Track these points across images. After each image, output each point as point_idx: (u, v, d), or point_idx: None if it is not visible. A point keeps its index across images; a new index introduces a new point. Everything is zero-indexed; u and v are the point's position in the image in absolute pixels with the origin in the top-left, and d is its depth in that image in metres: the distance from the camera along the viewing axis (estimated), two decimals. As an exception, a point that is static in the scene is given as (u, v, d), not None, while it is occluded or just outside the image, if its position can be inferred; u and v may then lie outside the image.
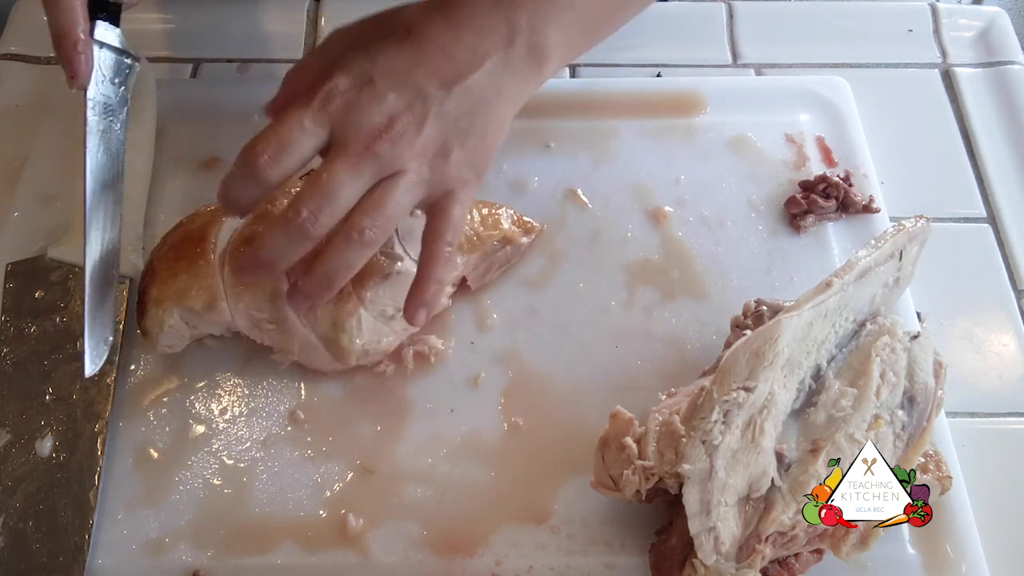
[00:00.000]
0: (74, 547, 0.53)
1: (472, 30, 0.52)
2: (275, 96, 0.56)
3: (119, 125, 0.58)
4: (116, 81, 0.57)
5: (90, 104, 0.56)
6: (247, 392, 0.60)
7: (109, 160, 0.57)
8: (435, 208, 0.53)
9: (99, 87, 0.57)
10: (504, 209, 0.64)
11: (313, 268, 0.52)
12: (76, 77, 0.54)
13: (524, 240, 0.64)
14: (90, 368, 0.55)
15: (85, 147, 0.56)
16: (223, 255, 0.58)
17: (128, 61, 0.59)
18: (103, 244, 0.57)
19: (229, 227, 0.59)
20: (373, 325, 0.58)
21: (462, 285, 0.63)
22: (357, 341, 0.57)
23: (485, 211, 0.63)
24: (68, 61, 0.54)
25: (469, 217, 0.62)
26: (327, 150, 0.51)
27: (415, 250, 0.56)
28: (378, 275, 0.57)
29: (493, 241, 0.62)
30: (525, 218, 0.65)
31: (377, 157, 0.50)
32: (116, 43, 0.57)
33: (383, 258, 0.58)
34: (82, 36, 0.54)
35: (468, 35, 0.52)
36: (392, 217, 0.51)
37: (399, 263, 0.58)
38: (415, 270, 0.55)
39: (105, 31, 0.57)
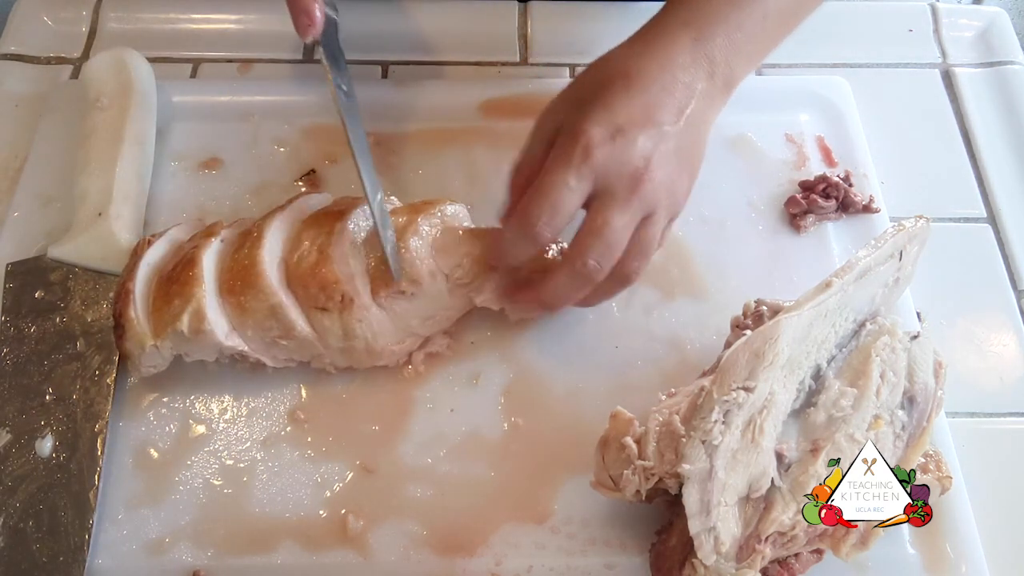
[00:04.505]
0: (74, 547, 0.53)
1: (681, 68, 0.56)
2: (509, 197, 0.59)
3: (344, 72, 0.60)
4: (331, 34, 0.60)
5: (325, 56, 0.59)
6: (247, 392, 0.60)
7: (351, 100, 0.60)
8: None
9: (322, 40, 0.59)
10: None
11: (583, 301, 0.57)
12: (313, 26, 0.57)
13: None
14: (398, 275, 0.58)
15: (333, 93, 0.58)
16: (220, 280, 0.58)
17: (333, 16, 0.60)
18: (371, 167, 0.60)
19: (215, 250, 0.59)
20: (391, 329, 0.58)
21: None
22: (381, 339, 0.58)
23: None
24: (306, 12, 0.56)
25: None
26: (590, 201, 0.55)
27: (447, 264, 0.59)
28: (393, 288, 0.58)
29: None
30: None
31: (642, 198, 0.54)
32: None
33: (405, 281, 0.58)
34: None
35: (680, 73, 0.56)
36: (651, 256, 0.57)
37: (421, 286, 0.58)
38: (439, 290, 0.59)
39: None
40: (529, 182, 0.56)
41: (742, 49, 0.58)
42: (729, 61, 0.58)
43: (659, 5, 0.80)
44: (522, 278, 0.60)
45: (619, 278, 0.56)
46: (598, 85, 0.56)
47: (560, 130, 0.56)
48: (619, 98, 0.55)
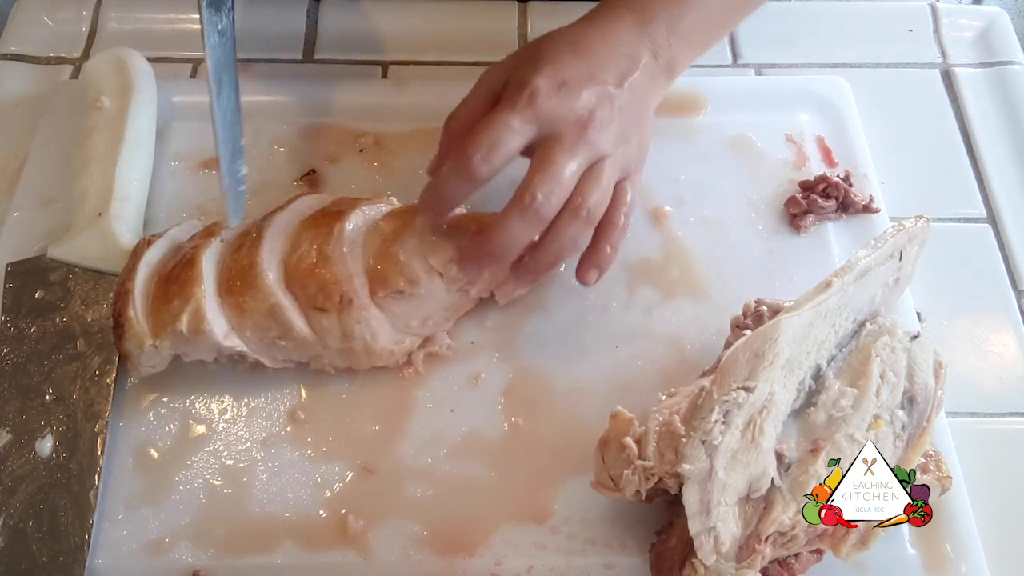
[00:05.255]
0: (74, 547, 0.53)
1: (624, 43, 0.59)
2: (441, 146, 0.60)
3: (224, 14, 0.58)
4: None
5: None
6: (247, 392, 0.60)
7: (223, 43, 0.58)
8: (616, 189, 0.59)
9: None
10: None
11: (540, 248, 0.57)
12: None
13: None
14: (234, 220, 0.59)
15: (203, 32, 0.56)
16: (220, 281, 0.58)
17: None
18: (229, 112, 0.58)
19: (214, 251, 0.59)
20: (390, 330, 0.58)
21: (489, 298, 0.62)
22: (381, 339, 0.58)
23: None
24: None
25: None
26: (533, 148, 0.56)
27: (439, 262, 0.59)
28: (391, 288, 0.58)
29: None
30: None
31: (589, 143, 0.56)
32: None
33: (403, 280, 0.58)
34: None
35: (623, 47, 0.59)
36: (607, 195, 0.57)
37: (419, 286, 0.58)
38: (436, 290, 0.58)
39: None
40: (464, 133, 0.57)
41: (684, 35, 0.61)
42: (671, 44, 0.60)
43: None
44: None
45: (577, 217, 0.56)
46: (544, 50, 0.58)
47: (506, 86, 0.57)
48: (566, 58, 0.57)
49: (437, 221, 0.60)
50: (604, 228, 0.59)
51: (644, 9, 0.60)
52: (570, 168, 0.55)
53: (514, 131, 0.55)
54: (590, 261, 0.59)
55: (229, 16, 0.58)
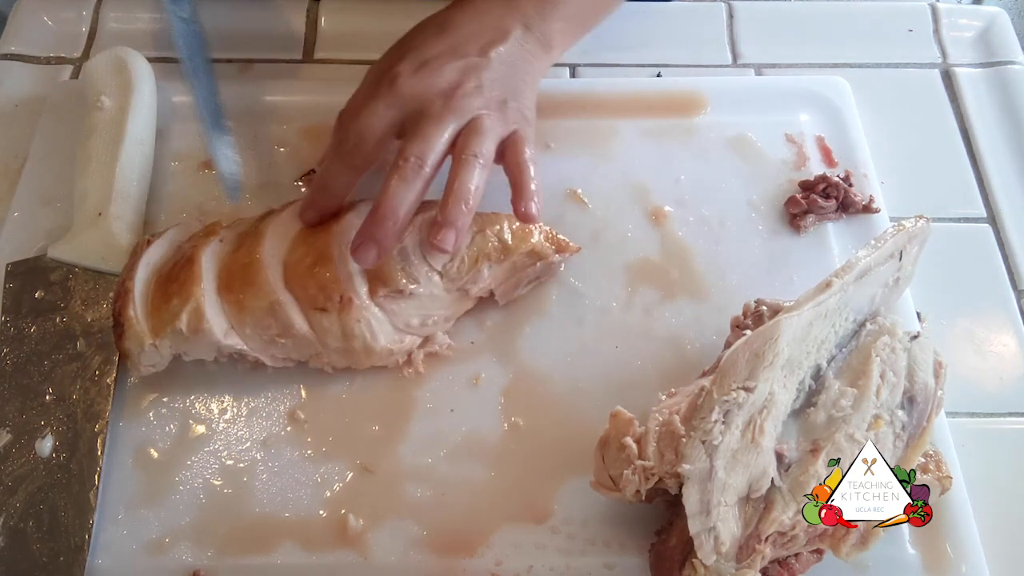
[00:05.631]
0: (74, 547, 0.53)
1: (493, 17, 0.62)
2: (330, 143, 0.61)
3: (186, 2, 0.62)
4: None
5: None
6: (247, 392, 0.60)
7: (190, 29, 0.62)
8: (508, 142, 0.60)
9: None
10: (538, 225, 0.62)
11: (445, 195, 0.56)
12: None
13: (556, 258, 0.62)
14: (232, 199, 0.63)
15: (170, 20, 0.60)
16: (219, 279, 0.58)
17: None
18: (208, 94, 0.64)
19: (214, 250, 0.59)
20: (389, 329, 0.58)
21: (489, 298, 0.62)
22: (381, 339, 0.58)
23: (516, 225, 0.62)
24: None
25: (500, 228, 0.61)
26: (404, 127, 0.58)
27: (439, 262, 0.59)
28: (391, 287, 0.58)
29: (521, 254, 0.61)
30: (559, 236, 0.63)
31: (456, 109, 0.57)
32: None
33: (404, 279, 0.58)
34: None
35: (490, 20, 0.62)
36: (491, 140, 0.58)
37: (419, 285, 0.58)
38: (436, 289, 0.59)
39: None
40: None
41: (557, 10, 0.63)
42: (544, 17, 0.63)
43: (662, 5, 0.81)
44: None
45: (465, 160, 0.56)
46: (414, 36, 0.62)
47: None
48: (430, 41, 0.60)
49: (323, 215, 0.60)
50: (516, 168, 0.59)
51: None
52: (440, 131, 0.57)
53: (378, 116, 0.57)
54: (522, 199, 0.58)
55: (191, 4, 0.60)
